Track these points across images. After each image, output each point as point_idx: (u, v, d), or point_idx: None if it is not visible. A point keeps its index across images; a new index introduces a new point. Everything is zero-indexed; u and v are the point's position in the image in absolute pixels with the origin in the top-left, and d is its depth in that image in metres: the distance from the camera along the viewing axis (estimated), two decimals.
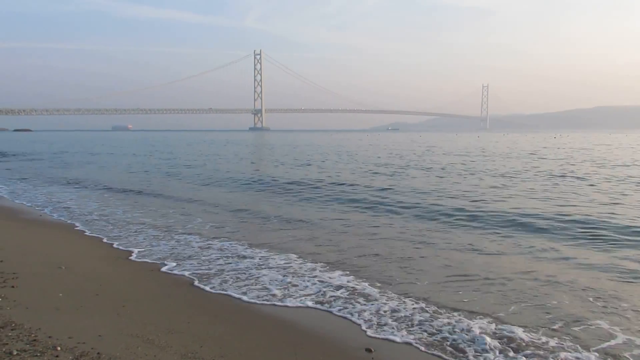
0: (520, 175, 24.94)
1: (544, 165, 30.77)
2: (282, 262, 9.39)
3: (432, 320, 6.53)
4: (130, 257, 9.84)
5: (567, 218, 12.94)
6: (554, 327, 6.31)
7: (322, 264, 9.27)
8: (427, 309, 6.94)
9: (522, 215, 13.41)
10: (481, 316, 6.68)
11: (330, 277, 8.38)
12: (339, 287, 7.87)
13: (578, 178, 23.00)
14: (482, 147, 59.84)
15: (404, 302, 7.21)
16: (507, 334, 6.10)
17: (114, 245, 10.77)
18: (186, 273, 8.71)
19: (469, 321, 6.47)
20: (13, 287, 7.32)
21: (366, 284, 8.06)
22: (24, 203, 16.91)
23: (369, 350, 5.76)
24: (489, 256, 9.81)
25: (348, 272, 8.68)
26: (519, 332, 6.10)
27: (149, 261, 9.54)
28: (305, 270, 8.82)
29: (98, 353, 5.23)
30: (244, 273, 8.69)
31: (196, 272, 8.79)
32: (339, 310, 6.97)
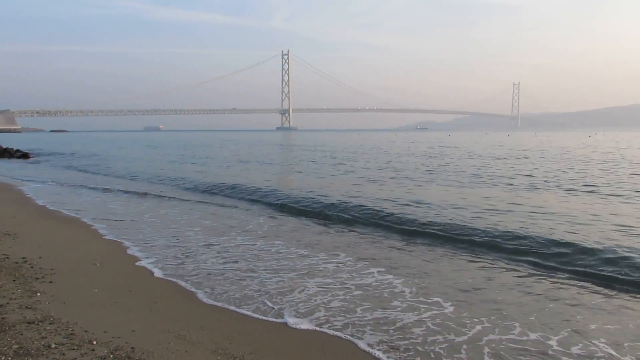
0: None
1: None
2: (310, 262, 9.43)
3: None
4: (161, 257, 10.02)
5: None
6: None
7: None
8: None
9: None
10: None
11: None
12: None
13: None
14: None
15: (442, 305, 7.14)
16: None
17: (146, 245, 10.98)
18: (215, 273, 8.83)
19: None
20: (51, 282, 7.58)
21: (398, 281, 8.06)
22: (61, 202, 17.38)
23: (395, 349, 5.75)
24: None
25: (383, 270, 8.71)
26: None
27: (181, 260, 9.70)
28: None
29: (132, 347, 5.37)
30: (275, 274, 8.78)
31: (226, 271, 8.91)
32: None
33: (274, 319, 6.63)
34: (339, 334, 6.16)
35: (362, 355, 5.61)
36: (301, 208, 15.67)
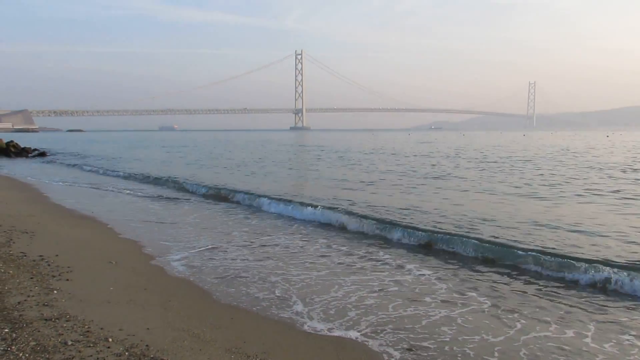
0: None
1: None
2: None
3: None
4: (177, 255, 10.07)
5: None
6: None
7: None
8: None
9: None
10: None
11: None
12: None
13: None
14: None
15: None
16: None
17: (164, 244, 11.05)
18: (231, 273, 8.85)
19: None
20: (68, 280, 7.66)
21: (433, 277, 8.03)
22: (78, 201, 17.56)
23: (409, 350, 5.70)
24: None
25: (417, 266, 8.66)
26: None
27: (196, 259, 9.75)
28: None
29: (147, 345, 5.40)
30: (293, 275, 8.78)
31: (251, 270, 8.93)
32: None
33: (289, 319, 6.62)
34: (355, 334, 6.13)
35: (377, 357, 5.57)
36: (343, 211, 14.26)
